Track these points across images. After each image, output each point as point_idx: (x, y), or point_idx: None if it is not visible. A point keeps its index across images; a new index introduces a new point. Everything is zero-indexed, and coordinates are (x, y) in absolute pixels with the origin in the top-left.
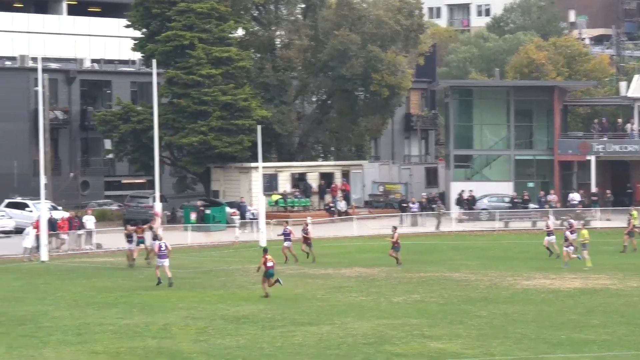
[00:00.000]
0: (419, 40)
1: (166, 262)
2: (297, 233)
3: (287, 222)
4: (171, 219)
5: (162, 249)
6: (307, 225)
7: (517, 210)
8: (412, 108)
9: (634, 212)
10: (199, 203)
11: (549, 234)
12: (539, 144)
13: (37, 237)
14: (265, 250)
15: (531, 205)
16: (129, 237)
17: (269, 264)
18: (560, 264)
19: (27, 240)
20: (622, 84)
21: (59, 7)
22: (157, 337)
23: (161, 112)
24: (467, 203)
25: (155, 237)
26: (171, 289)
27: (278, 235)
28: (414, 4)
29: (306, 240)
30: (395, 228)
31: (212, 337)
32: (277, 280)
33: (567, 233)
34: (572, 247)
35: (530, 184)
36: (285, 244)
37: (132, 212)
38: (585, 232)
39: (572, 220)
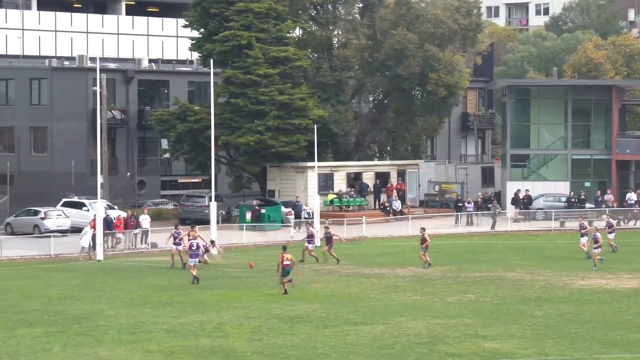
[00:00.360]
0: (476, 39)
1: (194, 261)
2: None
3: (327, 225)
4: (226, 219)
5: (193, 247)
6: (327, 228)
7: (573, 210)
8: (469, 107)
9: None
10: (254, 202)
11: (583, 235)
12: (596, 144)
13: (94, 236)
14: (284, 248)
15: (588, 205)
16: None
17: (286, 262)
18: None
19: (85, 239)
20: None
21: (118, 7)
22: (211, 336)
23: (218, 111)
24: (523, 203)
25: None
26: (217, 288)
27: (303, 239)
28: (472, 3)
29: (328, 241)
30: (423, 229)
31: (266, 337)
32: (290, 280)
33: (598, 235)
34: (599, 249)
35: (587, 184)
36: (307, 245)
37: (188, 211)
38: None
39: (611, 220)
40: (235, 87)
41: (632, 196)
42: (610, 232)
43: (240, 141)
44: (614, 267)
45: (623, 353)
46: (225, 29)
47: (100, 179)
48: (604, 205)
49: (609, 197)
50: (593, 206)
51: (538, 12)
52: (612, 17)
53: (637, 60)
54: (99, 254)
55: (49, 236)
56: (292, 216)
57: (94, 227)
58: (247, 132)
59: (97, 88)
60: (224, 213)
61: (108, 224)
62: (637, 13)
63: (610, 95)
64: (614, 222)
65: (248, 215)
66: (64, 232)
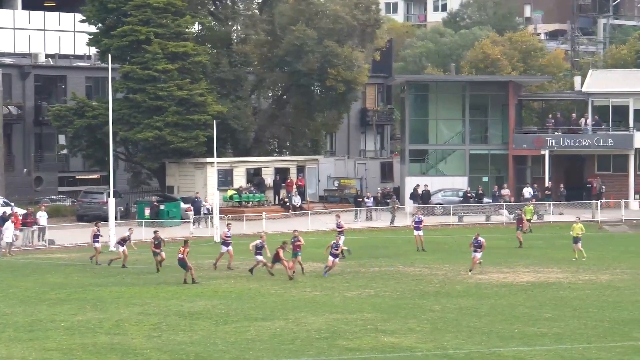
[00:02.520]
0: (375, 35)
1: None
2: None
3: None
4: (125, 215)
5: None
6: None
7: (471, 205)
8: (368, 103)
9: (530, 208)
10: (153, 198)
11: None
12: (493, 139)
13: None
14: (185, 243)
15: (485, 200)
16: (95, 237)
17: (180, 256)
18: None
19: (7, 234)
20: (577, 79)
21: (14, 1)
22: (110, 333)
23: (116, 107)
24: (422, 198)
25: (122, 242)
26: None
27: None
28: (370, 0)
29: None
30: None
31: (165, 333)
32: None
33: (481, 239)
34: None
35: (485, 179)
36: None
37: (86, 207)
38: (578, 226)
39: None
40: (133, 83)
41: (528, 190)
42: (519, 228)
43: (139, 137)
44: (511, 261)
45: (520, 346)
46: (123, 24)
47: None
48: (501, 200)
49: (505, 191)
50: (490, 201)
51: (436, 9)
52: (508, 14)
53: (534, 57)
54: None
55: None
56: (192, 212)
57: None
58: (146, 128)
59: None
60: (122, 209)
61: (3, 220)
62: (534, 9)
63: (507, 91)
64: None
65: (147, 212)
66: None
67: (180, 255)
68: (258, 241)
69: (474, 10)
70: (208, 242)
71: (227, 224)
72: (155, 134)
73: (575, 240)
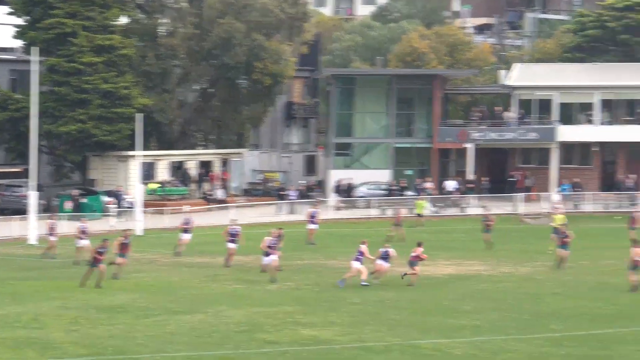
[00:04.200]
0: (303, 28)
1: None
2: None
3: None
4: (47, 208)
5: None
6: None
7: (393, 198)
8: (295, 96)
9: (422, 202)
10: (74, 192)
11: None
12: (419, 132)
13: None
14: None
15: (408, 193)
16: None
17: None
18: None
19: None
20: (502, 73)
21: None
22: (28, 327)
23: (41, 100)
24: (345, 191)
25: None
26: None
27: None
28: None
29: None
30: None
31: (84, 327)
32: None
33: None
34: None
35: (409, 172)
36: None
37: (7, 201)
38: (558, 217)
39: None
40: (59, 76)
41: (450, 184)
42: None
43: (62, 130)
44: (433, 254)
45: (439, 338)
46: (49, 17)
47: None
48: (423, 193)
49: (428, 185)
50: (415, 194)
51: (365, 2)
52: (437, 7)
53: (460, 50)
54: None
55: None
56: (114, 205)
57: None
58: (70, 121)
59: None
60: (43, 203)
61: None
62: (462, 3)
63: (432, 85)
64: None
65: (68, 205)
66: None
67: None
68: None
69: (403, 4)
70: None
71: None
72: (78, 127)
73: (556, 231)
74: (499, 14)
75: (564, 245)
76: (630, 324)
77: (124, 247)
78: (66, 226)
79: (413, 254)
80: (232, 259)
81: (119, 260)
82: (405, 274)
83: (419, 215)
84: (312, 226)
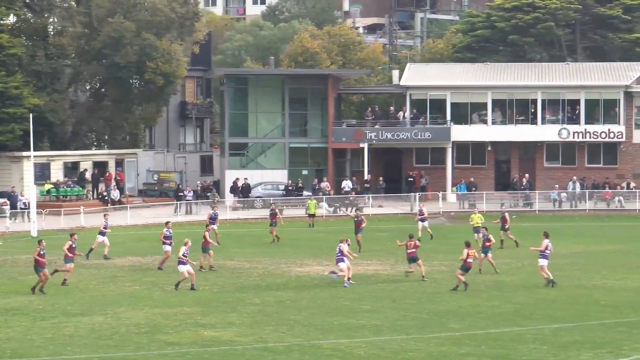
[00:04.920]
0: (194, 28)
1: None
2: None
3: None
4: None
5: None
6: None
7: (290, 198)
8: (188, 96)
9: (313, 202)
10: None
11: (422, 219)
12: (313, 132)
13: None
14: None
15: (305, 193)
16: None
17: None
18: None
19: None
20: (395, 73)
21: None
22: None
23: None
24: (242, 191)
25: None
26: None
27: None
28: None
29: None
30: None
31: None
32: None
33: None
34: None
35: (305, 172)
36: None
37: None
38: (476, 216)
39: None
40: None
41: (347, 183)
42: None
43: None
44: (331, 254)
45: (340, 338)
46: None
47: None
48: (320, 193)
49: (325, 184)
50: (310, 194)
51: (255, 2)
52: (327, 7)
53: (352, 50)
54: None
55: None
56: (7, 207)
57: None
58: None
59: None
60: None
61: None
62: (352, 3)
63: (326, 85)
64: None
65: None
66: None
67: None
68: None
69: (293, 4)
70: (25, 237)
71: (167, 223)
72: None
73: (476, 230)
74: (388, 14)
75: (485, 249)
76: (527, 323)
77: (71, 251)
78: None
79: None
80: (166, 262)
81: (67, 266)
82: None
83: (311, 215)
84: (213, 226)
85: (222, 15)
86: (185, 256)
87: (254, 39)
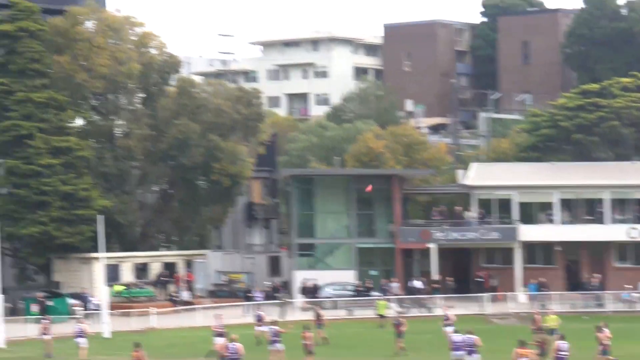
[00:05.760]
0: (258, 129)
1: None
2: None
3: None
4: (12, 312)
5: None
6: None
7: (360, 299)
8: (254, 197)
9: (383, 302)
10: (39, 294)
11: (448, 325)
12: (380, 232)
13: None
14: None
15: (374, 293)
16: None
17: None
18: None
19: None
20: (460, 172)
21: None
22: None
23: (0, 202)
24: (311, 291)
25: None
26: None
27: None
28: (252, 93)
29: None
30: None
31: None
32: None
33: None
34: None
35: (373, 272)
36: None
37: None
38: (551, 317)
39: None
40: (17, 178)
41: (416, 284)
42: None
43: (24, 232)
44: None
45: None
46: (5, 119)
47: None
48: (389, 294)
49: (394, 285)
50: (380, 295)
51: (318, 103)
52: (390, 108)
53: (416, 150)
54: None
55: None
56: (80, 308)
57: None
58: (31, 223)
59: None
60: (10, 305)
61: None
62: (415, 104)
63: (391, 185)
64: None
65: (34, 308)
66: None
67: None
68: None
69: (356, 105)
70: (97, 338)
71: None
72: (40, 229)
73: (551, 332)
74: (452, 114)
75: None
76: None
77: None
78: (32, 329)
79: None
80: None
81: None
82: None
83: (380, 316)
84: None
85: (286, 116)
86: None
87: (318, 139)
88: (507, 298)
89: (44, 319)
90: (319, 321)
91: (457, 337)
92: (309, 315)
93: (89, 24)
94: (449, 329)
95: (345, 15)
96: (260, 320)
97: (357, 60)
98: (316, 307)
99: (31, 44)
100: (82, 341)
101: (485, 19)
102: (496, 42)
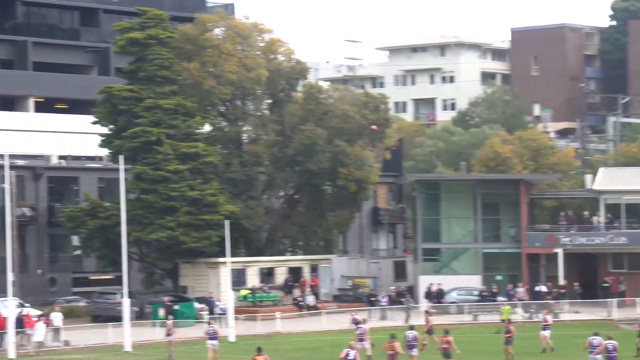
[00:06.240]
0: (385, 134)
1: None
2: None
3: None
4: (139, 315)
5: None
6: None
7: (485, 303)
8: (380, 202)
9: (507, 307)
10: (166, 299)
11: (545, 327)
12: (506, 237)
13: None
14: (258, 350)
15: (499, 298)
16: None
17: None
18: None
19: (38, 334)
20: (588, 177)
21: (26, 104)
22: None
23: (129, 207)
24: (436, 296)
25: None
26: None
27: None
28: (379, 99)
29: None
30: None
31: None
32: None
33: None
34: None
35: (499, 277)
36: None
37: (100, 308)
38: None
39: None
40: (145, 184)
41: (542, 289)
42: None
43: (152, 237)
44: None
45: None
46: (134, 125)
47: (10, 277)
48: (515, 299)
49: (520, 290)
50: (505, 299)
51: (445, 108)
52: (517, 112)
53: (544, 155)
54: (11, 353)
55: None
56: (206, 312)
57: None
58: (158, 228)
59: (6, 185)
60: (137, 310)
61: (19, 322)
62: (542, 108)
63: (518, 189)
64: (550, 318)
65: (161, 312)
66: None
67: None
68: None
69: (483, 109)
70: (222, 342)
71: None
72: (168, 234)
73: None
74: (580, 119)
75: None
76: None
77: None
78: (159, 333)
79: None
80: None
81: None
82: None
83: (506, 320)
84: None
85: (413, 121)
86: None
87: (445, 144)
88: (636, 303)
89: (168, 320)
90: (428, 327)
91: (595, 341)
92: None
93: (218, 31)
94: (546, 333)
95: (472, 19)
96: (357, 323)
97: (484, 64)
98: (426, 313)
99: (160, 51)
100: (214, 343)
101: (614, 23)
102: (626, 46)
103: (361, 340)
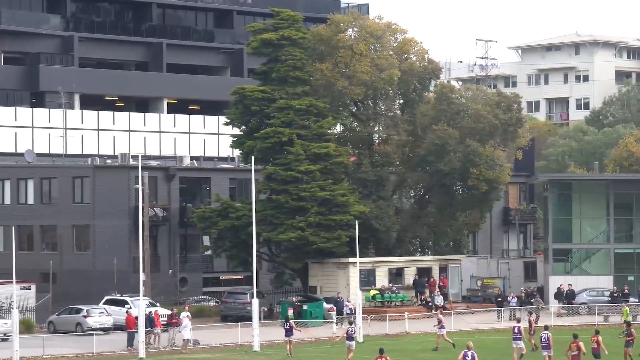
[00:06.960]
0: (517, 134)
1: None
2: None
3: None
4: (268, 315)
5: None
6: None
7: (617, 304)
8: (511, 202)
9: (627, 309)
10: (295, 299)
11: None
12: (639, 238)
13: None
14: (381, 352)
15: (631, 300)
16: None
17: None
18: None
19: (186, 331)
20: None
21: (160, 105)
22: None
23: (259, 208)
24: (566, 297)
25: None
26: None
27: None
28: (512, 98)
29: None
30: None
31: None
32: None
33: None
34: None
35: (631, 278)
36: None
37: (230, 308)
38: None
39: None
40: (276, 184)
41: None
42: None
43: (282, 237)
44: None
45: None
46: (266, 126)
47: (142, 277)
48: None
49: None
50: (637, 300)
51: (578, 107)
52: None
53: None
54: (141, 352)
55: (92, 334)
56: (334, 312)
57: (131, 323)
58: (289, 229)
59: (139, 186)
60: (266, 309)
61: (150, 321)
62: None
63: None
64: None
65: (290, 312)
66: (106, 330)
67: None
68: None
69: (617, 108)
70: None
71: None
72: (297, 234)
73: None
74: None
75: None
76: None
77: None
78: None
79: None
80: None
81: None
82: None
83: (626, 322)
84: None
85: (545, 120)
86: None
87: (577, 144)
88: None
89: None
90: (531, 328)
91: None
92: (565, 321)
93: (351, 32)
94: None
95: (607, 17)
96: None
97: (619, 63)
98: (528, 315)
99: (293, 52)
100: (352, 344)
101: None
102: None
103: (517, 339)
